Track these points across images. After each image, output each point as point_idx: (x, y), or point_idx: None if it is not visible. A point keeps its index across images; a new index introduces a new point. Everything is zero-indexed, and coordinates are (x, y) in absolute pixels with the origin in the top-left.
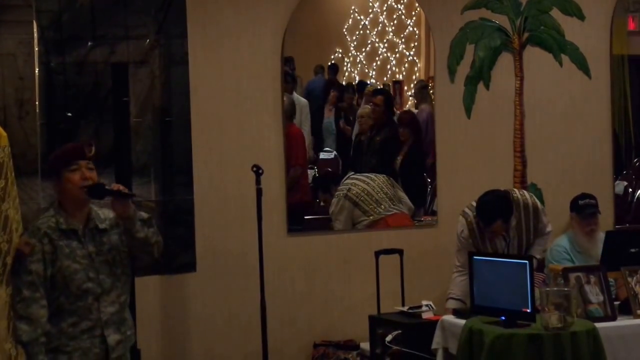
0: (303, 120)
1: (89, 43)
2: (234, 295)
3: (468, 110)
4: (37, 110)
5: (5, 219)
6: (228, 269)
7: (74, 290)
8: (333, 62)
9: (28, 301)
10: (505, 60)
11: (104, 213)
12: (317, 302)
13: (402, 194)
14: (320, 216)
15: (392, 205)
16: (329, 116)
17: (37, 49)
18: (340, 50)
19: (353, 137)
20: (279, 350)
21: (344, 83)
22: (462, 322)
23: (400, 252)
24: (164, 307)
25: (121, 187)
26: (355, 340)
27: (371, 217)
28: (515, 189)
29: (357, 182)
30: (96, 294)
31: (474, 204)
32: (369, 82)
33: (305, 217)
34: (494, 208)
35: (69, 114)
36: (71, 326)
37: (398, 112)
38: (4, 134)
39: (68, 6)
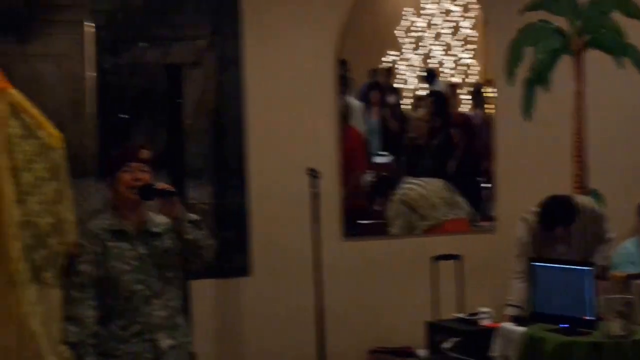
0: (358, 124)
1: (143, 44)
2: (289, 299)
3: (527, 113)
4: (91, 112)
5: (59, 220)
6: (283, 272)
7: (123, 292)
8: (387, 65)
9: (76, 302)
10: (565, 63)
11: (160, 218)
12: (373, 308)
13: (460, 199)
14: (375, 221)
15: (449, 210)
16: (373, 117)
17: (91, 49)
18: (395, 53)
19: (405, 140)
20: (334, 355)
21: (396, 86)
22: (522, 329)
23: (458, 257)
24: (219, 310)
25: (165, 186)
26: (412, 347)
27: (428, 222)
28: (576, 194)
29: (413, 187)
30: (145, 296)
31: (535, 209)
32: (423, 84)
33: (361, 222)
34: (556, 214)
35: (123, 116)
36: (121, 329)
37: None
38: (59, 136)
39: (122, 7)
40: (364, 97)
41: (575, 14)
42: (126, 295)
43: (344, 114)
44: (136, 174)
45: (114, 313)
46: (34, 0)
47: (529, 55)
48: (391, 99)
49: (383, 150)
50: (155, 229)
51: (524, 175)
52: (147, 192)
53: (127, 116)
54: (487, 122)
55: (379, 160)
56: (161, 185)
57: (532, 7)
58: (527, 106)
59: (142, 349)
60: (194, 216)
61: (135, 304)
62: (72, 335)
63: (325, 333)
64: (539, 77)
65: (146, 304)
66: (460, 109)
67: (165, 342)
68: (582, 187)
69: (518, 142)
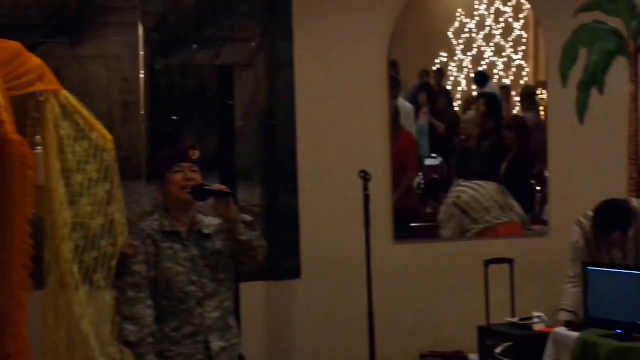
0: (408, 126)
1: (194, 45)
2: (340, 302)
3: (581, 116)
4: (142, 113)
5: (110, 222)
6: (333, 275)
7: (177, 293)
8: (438, 66)
9: (133, 301)
10: (620, 65)
11: (210, 220)
12: (424, 311)
13: (514, 203)
14: (426, 223)
15: (502, 214)
16: (422, 119)
17: (142, 51)
18: (446, 55)
19: (456, 143)
20: (385, 359)
21: (447, 87)
22: (575, 334)
23: (510, 261)
24: (269, 313)
25: (222, 187)
26: (464, 352)
27: (480, 226)
28: (633, 198)
29: (466, 190)
30: (198, 297)
31: (590, 213)
32: (474, 86)
33: (412, 224)
34: (612, 218)
35: (174, 117)
36: (174, 330)
37: (505, 117)
38: (110, 137)
39: (173, 8)
40: (414, 99)
41: (631, 15)
42: (180, 296)
43: (395, 116)
44: (187, 174)
45: (167, 314)
46: (86, 3)
47: (583, 57)
48: (442, 100)
49: (433, 153)
50: (206, 230)
51: (578, 179)
52: (200, 192)
53: (178, 118)
54: (540, 125)
55: (428, 162)
56: (217, 186)
57: (587, 8)
58: (582, 109)
59: (195, 351)
60: (247, 217)
61: (189, 305)
62: (131, 334)
63: (376, 336)
64: (594, 79)
65: (199, 305)
66: (512, 111)
67: (216, 343)
68: (638, 190)
69: (572, 145)
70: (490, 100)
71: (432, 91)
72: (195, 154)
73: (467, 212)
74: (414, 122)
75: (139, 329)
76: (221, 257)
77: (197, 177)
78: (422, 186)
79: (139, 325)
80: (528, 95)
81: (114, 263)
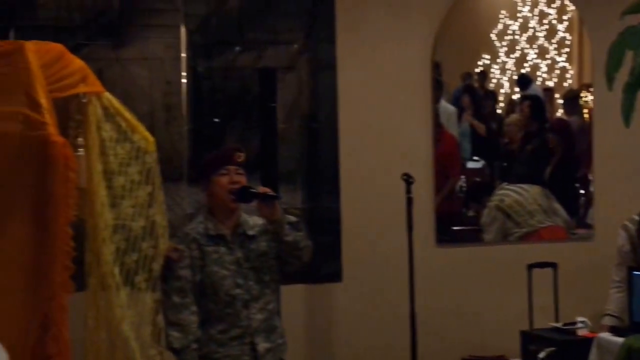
0: (450, 128)
1: (237, 48)
2: (381, 306)
3: (627, 119)
4: (184, 116)
5: (152, 224)
6: (374, 278)
7: (223, 297)
8: (481, 68)
9: (178, 307)
10: None
11: (254, 220)
12: (466, 316)
13: (558, 206)
14: (469, 227)
15: (546, 218)
16: (465, 121)
17: (184, 53)
18: (488, 57)
19: (499, 145)
20: None
21: (490, 90)
22: (620, 340)
23: (554, 265)
24: (309, 316)
25: (267, 190)
26: (506, 356)
27: (524, 229)
28: None
29: (509, 193)
30: (244, 300)
31: (636, 217)
32: (516, 88)
33: (454, 228)
34: None
35: (216, 119)
36: (220, 333)
37: (549, 120)
38: (152, 139)
39: (216, 10)
40: (457, 101)
41: None
42: (226, 300)
43: (437, 118)
44: (233, 177)
45: (213, 317)
46: (129, 5)
47: (629, 59)
48: (487, 103)
49: (475, 156)
50: (250, 232)
51: (623, 183)
52: (244, 194)
53: (220, 120)
54: (584, 128)
55: (470, 165)
56: (262, 189)
57: (633, 10)
58: (627, 112)
59: (241, 352)
60: (292, 218)
61: (235, 308)
62: (176, 341)
63: (418, 340)
64: None
65: (245, 308)
66: (555, 114)
67: (262, 345)
68: None
69: (617, 148)
70: (534, 102)
71: (476, 93)
72: (241, 157)
73: (510, 215)
74: (456, 124)
75: (183, 336)
76: (266, 258)
77: (243, 180)
78: (464, 189)
79: (184, 332)
80: (571, 99)
81: (154, 265)
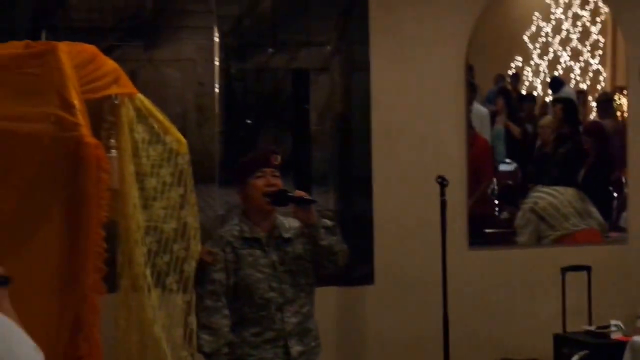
0: (484, 131)
1: (270, 49)
2: (413, 309)
3: None
4: (216, 117)
5: (183, 226)
6: (407, 281)
7: (257, 300)
8: (514, 71)
9: (210, 310)
10: None
11: (289, 222)
12: (499, 319)
13: (593, 209)
14: (501, 230)
15: (581, 221)
16: (499, 124)
17: (217, 55)
18: (521, 59)
19: (532, 148)
20: None
21: (524, 92)
22: None
23: (588, 269)
24: (341, 319)
25: (303, 194)
26: (539, 359)
27: (558, 232)
28: None
29: (543, 196)
30: (279, 303)
31: None
32: (549, 91)
33: (486, 231)
34: None
35: (248, 121)
36: (254, 335)
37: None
38: (184, 141)
39: (249, 12)
40: (490, 104)
41: None
42: (260, 303)
43: (470, 121)
44: (269, 179)
45: (247, 320)
46: (162, 6)
47: None
48: (522, 105)
49: (508, 158)
50: (286, 235)
51: None
52: (280, 198)
53: (252, 122)
54: (618, 130)
55: (503, 168)
56: (299, 192)
57: None
58: None
59: (274, 355)
60: (328, 222)
61: (269, 311)
62: (207, 344)
63: (451, 343)
64: None
65: (279, 311)
66: (589, 117)
67: (295, 348)
68: None
69: None
70: (567, 105)
71: (510, 96)
72: (277, 159)
73: (544, 218)
74: (489, 126)
75: (214, 339)
76: (302, 261)
77: (279, 183)
78: (495, 192)
79: (215, 336)
80: (605, 102)
81: (186, 267)
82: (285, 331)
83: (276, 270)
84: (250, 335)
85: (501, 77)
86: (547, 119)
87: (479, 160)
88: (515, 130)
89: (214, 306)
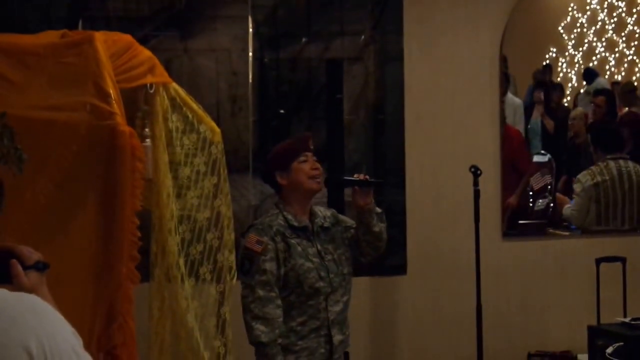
0: (517, 121)
1: (304, 39)
2: (446, 299)
3: None
4: (250, 107)
5: (217, 215)
6: (440, 272)
7: (306, 289)
8: (547, 62)
9: (263, 301)
10: None
11: (322, 211)
12: (532, 310)
13: None
14: (535, 220)
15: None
16: (536, 117)
17: (251, 44)
18: (555, 50)
19: (566, 139)
20: (492, 357)
21: (558, 83)
22: None
23: (622, 259)
24: (374, 309)
25: (362, 176)
26: (573, 352)
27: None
28: None
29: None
30: (326, 293)
31: None
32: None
33: (520, 222)
34: None
35: (282, 111)
36: (300, 325)
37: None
38: (218, 130)
39: (283, 2)
40: (530, 97)
41: None
42: (309, 292)
43: (504, 111)
44: (313, 163)
45: (294, 309)
46: None
47: None
48: (554, 97)
49: (543, 149)
50: (325, 223)
51: None
52: (337, 183)
53: (286, 111)
54: None
55: (537, 159)
56: (360, 175)
57: None
58: None
59: (317, 344)
60: (378, 209)
61: (317, 300)
62: (263, 335)
63: (484, 334)
64: None
65: (325, 300)
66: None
67: (337, 337)
68: None
69: None
70: (609, 96)
71: (548, 89)
72: (313, 143)
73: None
74: (522, 117)
75: (270, 330)
76: (344, 249)
77: (320, 166)
78: (531, 184)
79: (270, 326)
80: (627, 94)
81: (219, 256)
82: (329, 320)
83: (323, 260)
84: (296, 325)
85: (540, 72)
86: (579, 111)
87: (514, 151)
88: (550, 124)
89: (267, 296)
